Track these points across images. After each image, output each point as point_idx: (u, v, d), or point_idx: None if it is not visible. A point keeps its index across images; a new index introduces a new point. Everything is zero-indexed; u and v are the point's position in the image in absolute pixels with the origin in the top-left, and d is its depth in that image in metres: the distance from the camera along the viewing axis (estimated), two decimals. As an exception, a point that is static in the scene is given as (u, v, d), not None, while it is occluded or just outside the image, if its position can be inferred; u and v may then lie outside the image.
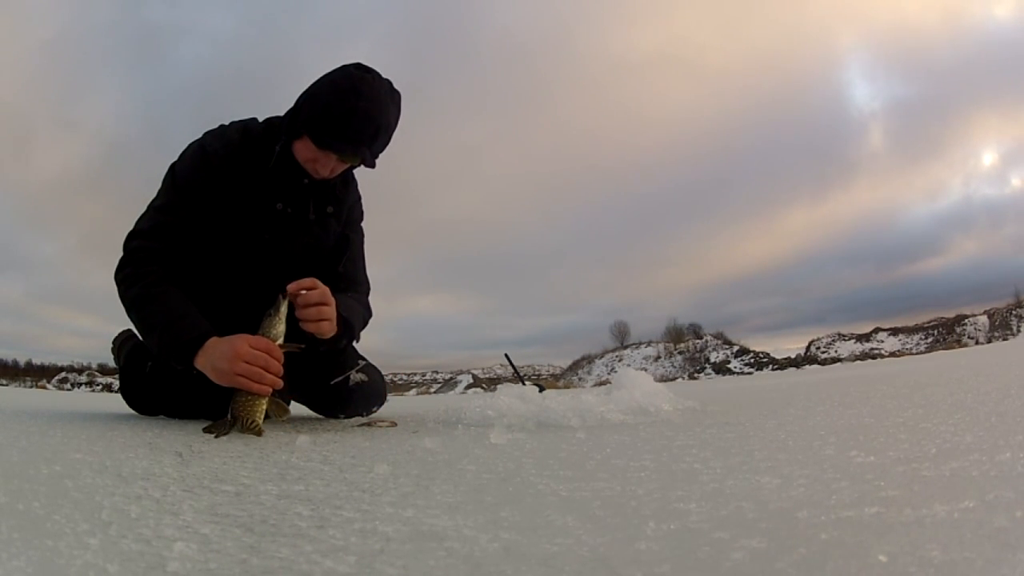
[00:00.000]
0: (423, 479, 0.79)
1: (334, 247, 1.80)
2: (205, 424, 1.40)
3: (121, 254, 1.63)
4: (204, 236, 1.65)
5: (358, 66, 1.56)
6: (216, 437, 1.27)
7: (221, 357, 1.39)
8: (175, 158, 1.71)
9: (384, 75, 1.57)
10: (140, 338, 1.90)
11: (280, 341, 1.43)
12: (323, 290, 1.50)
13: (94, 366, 37.59)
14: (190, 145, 1.69)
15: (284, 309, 1.44)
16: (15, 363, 38.19)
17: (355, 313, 1.69)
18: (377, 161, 1.61)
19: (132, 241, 1.63)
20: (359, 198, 1.90)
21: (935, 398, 1.58)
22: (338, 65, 1.58)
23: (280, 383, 1.40)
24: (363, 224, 1.95)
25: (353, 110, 1.50)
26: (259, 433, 1.31)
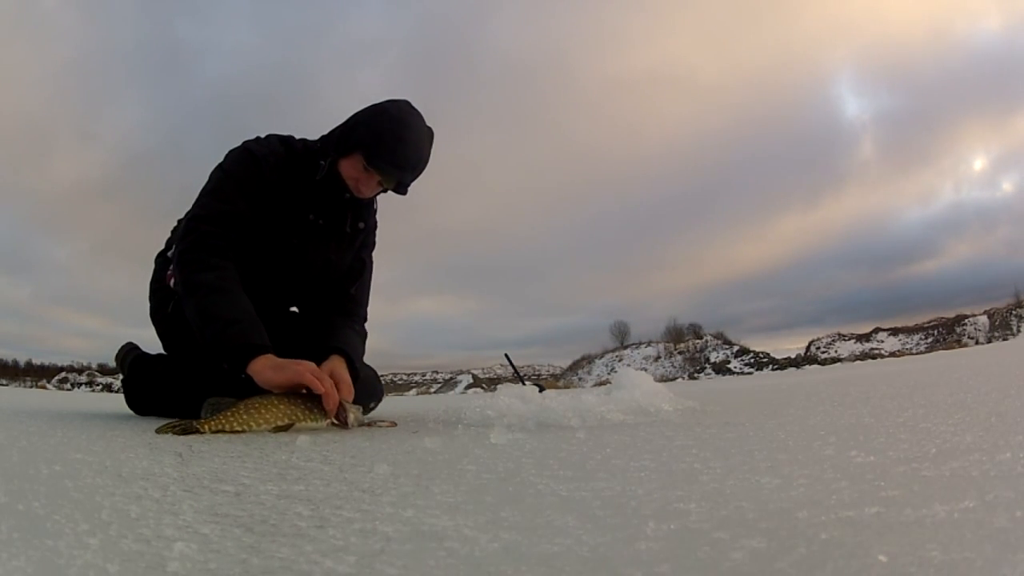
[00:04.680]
0: (423, 479, 0.79)
1: (350, 267, 1.92)
2: None
3: (186, 235, 1.65)
4: (244, 232, 1.71)
5: (408, 104, 1.75)
6: (212, 431, 1.27)
7: (286, 366, 1.47)
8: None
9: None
10: (140, 351, 2.01)
11: (346, 406, 1.50)
12: (348, 387, 1.59)
13: (94, 366, 37.60)
14: (234, 150, 1.78)
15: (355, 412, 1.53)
16: (15, 363, 38.20)
17: (359, 354, 1.80)
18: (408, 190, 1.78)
19: (200, 225, 1.65)
20: (376, 225, 2.00)
21: (935, 398, 1.58)
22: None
23: (332, 411, 1.47)
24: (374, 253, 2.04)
25: (405, 139, 1.69)
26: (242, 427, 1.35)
